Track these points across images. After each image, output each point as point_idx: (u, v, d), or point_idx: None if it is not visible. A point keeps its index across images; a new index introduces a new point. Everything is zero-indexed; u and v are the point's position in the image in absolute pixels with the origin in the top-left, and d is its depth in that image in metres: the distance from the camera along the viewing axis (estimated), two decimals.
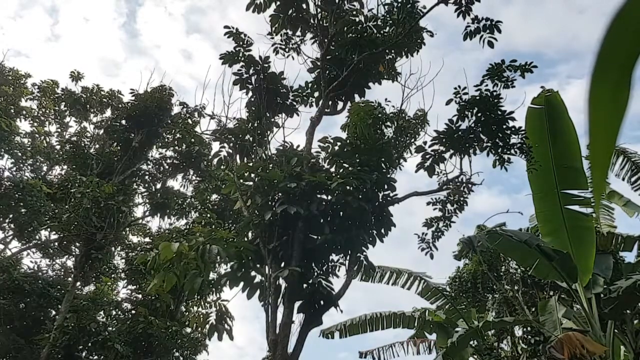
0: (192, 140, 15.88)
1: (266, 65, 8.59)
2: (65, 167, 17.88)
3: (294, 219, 6.80)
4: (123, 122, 15.93)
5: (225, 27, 8.61)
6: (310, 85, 9.23)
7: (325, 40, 8.93)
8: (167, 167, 16.50)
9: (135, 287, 15.71)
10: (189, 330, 14.50)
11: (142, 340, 13.34)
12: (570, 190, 11.48)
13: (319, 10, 9.21)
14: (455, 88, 7.70)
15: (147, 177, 16.53)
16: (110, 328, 13.59)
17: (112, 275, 16.58)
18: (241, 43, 8.61)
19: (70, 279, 15.33)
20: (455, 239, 13.63)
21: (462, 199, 8.15)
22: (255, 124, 8.46)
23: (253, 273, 6.91)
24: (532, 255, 10.86)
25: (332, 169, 7.84)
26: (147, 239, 17.35)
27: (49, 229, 16.14)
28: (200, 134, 13.73)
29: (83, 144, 17.00)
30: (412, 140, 9.31)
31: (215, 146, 8.74)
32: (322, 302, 6.89)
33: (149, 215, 16.53)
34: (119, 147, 15.88)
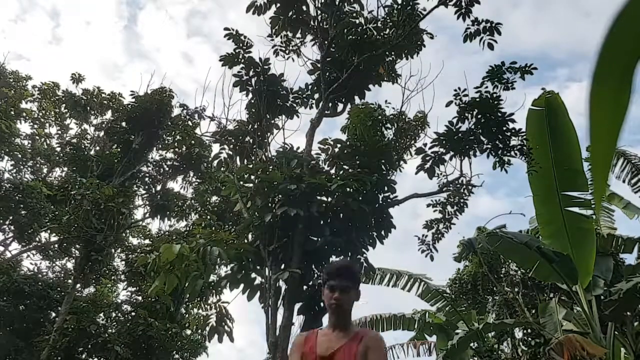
0: (192, 142, 15.88)
1: (266, 67, 8.59)
2: (65, 169, 17.89)
3: (294, 220, 6.79)
4: (123, 124, 15.93)
5: (225, 29, 8.62)
6: (310, 87, 9.22)
7: (326, 42, 8.93)
8: (167, 169, 16.49)
9: (135, 289, 15.70)
10: (189, 332, 14.50)
11: (142, 342, 13.33)
12: (571, 192, 11.45)
13: (319, 12, 9.21)
14: (456, 90, 7.70)
15: (147, 179, 16.52)
16: (110, 330, 13.60)
17: (112, 277, 16.58)
18: (241, 45, 8.62)
19: (70, 281, 15.31)
20: (457, 242, 13.62)
21: (462, 200, 8.15)
22: (256, 126, 8.47)
23: (253, 275, 6.91)
24: (533, 257, 10.83)
25: (332, 171, 7.83)
26: (147, 241, 17.34)
27: (49, 231, 16.13)
28: (201, 135, 13.71)
29: (83, 146, 17.03)
30: (412, 142, 9.31)
31: (216, 148, 8.78)
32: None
33: (149, 217, 16.53)
34: (119, 149, 15.87)
